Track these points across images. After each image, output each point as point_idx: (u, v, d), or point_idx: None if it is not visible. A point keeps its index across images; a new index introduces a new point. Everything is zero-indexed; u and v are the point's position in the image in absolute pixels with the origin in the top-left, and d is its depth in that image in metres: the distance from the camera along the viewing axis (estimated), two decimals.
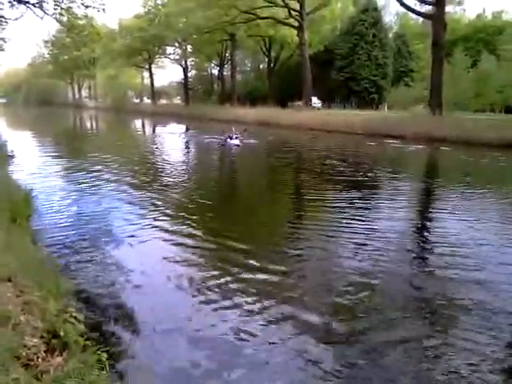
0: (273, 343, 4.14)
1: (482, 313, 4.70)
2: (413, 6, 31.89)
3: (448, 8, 40.87)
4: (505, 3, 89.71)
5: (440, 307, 4.88)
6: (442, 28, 26.27)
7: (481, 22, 51.01)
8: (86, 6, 18.61)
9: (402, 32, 50.80)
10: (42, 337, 3.34)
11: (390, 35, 47.98)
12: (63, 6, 18.03)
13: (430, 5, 29.13)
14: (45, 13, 17.73)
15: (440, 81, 26.69)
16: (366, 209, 9.42)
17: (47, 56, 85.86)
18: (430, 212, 9.86)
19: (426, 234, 7.88)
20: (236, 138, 21.55)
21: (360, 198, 10.35)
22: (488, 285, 5.38)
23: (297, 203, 10.81)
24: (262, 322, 4.52)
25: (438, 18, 26.34)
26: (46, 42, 76.03)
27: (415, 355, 4.01)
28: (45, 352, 3.19)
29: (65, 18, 18.58)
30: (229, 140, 21.46)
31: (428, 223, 8.77)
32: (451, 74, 33.82)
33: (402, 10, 43.96)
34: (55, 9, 17.93)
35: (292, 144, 23.34)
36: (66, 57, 73.56)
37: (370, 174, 13.91)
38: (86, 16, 20.73)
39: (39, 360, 3.05)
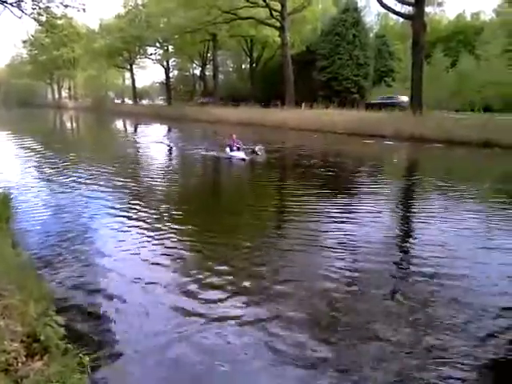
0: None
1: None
2: (393, 7, 32.14)
3: (428, 9, 41.55)
4: (483, 4, 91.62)
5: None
6: (422, 28, 26.57)
7: (460, 22, 51.72)
8: (66, 6, 18.41)
9: (383, 32, 51.23)
10: (22, 341, 3.30)
11: (371, 35, 48.32)
12: (41, 5, 17.80)
13: (409, 5, 29.45)
14: (23, 12, 17.46)
15: (420, 81, 26.99)
16: (352, 207, 9.53)
17: (26, 56, 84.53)
18: (408, 212, 10.00)
19: (405, 238, 7.98)
20: (238, 148, 17.05)
21: (345, 198, 10.49)
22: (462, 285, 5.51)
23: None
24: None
25: (417, 19, 26.64)
26: (25, 41, 74.72)
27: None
28: (25, 356, 3.15)
29: (43, 18, 18.30)
30: (229, 151, 17.00)
31: (407, 225, 8.90)
32: (431, 74, 34.22)
33: (383, 10, 44.38)
34: (33, 8, 17.68)
35: (277, 145, 22.92)
36: (45, 57, 72.49)
37: (354, 172, 14.11)
38: (65, 16, 20.52)
39: (19, 365, 3.02)
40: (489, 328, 4.45)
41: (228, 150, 17.09)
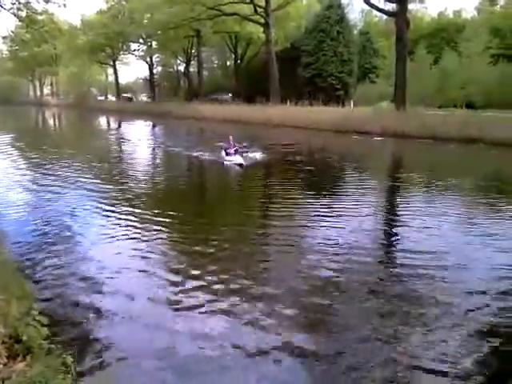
0: None
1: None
2: (377, 4, 32.27)
3: (410, 6, 41.78)
4: (464, 2, 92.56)
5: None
6: (405, 25, 26.74)
7: (442, 20, 52.21)
8: (46, 1, 18.12)
9: (367, 29, 51.46)
10: (3, 342, 3.23)
11: (355, 32, 48.53)
12: (22, 0, 17.46)
13: (393, 2, 29.61)
14: (2, 7, 17.12)
15: (404, 77, 27.18)
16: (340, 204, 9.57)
17: (6, 52, 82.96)
18: (393, 208, 10.08)
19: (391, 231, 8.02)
20: (236, 151, 15.02)
21: (334, 195, 10.52)
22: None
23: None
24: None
25: (401, 16, 26.80)
26: (5, 37, 73.37)
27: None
28: (7, 358, 3.09)
29: (23, 13, 17.96)
30: (225, 155, 15.10)
31: (393, 220, 8.96)
32: (415, 71, 34.50)
33: (367, 7, 44.54)
34: (13, 3, 17.34)
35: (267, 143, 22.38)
36: (26, 53, 71.21)
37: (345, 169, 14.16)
38: (46, 11, 20.20)
39: (0, 366, 2.94)
40: (477, 321, 4.51)
41: (223, 153, 15.20)
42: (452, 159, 17.69)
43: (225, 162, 14.68)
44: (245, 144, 15.84)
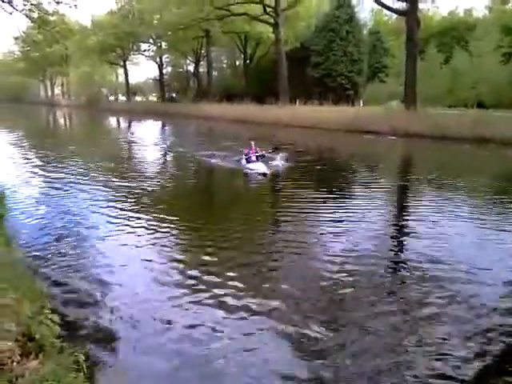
0: None
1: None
2: (387, 3, 32.07)
3: (421, 5, 41.50)
4: (475, 1, 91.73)
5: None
6: (416, 24, 26.60)
7: (453, 18, 51.87)
8: (57, 2, 18.21)
9: (377, 29, 51.22)
10: (16, 340, 3.26)
11: (365, 32, 48.29)
12: (33, 1, 17.57)
13: (403, 1, 29.42)
14: (14, 8, 17.23)
15: (414, 76, 27.02)
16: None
17: (18, 53, 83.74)
18: (405, 212, 10.02)
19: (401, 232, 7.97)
20: (257, 157, 13.91)
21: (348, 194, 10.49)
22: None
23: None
24: None
25: (411, 15, 26.66)
26: (16, 38, 74.01)
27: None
28: (20, 355, 3.12)
29: (35, 14, 18.09)
30: (245, 163, 13.87)
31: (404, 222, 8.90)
32: (425, 70, 34.29)
33: (377, 6, 44.36)
34: (25, 4, 17.44)
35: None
36: (37, 54, 71.87)
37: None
38: (57, 12, 20.30)
39: (14, 364, 2.98)
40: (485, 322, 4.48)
41: (244, 160, 13.98)
42: (465, 159, 17.54)
43: (246, 170, 13.42)
44: (264, 153, 14.34)
